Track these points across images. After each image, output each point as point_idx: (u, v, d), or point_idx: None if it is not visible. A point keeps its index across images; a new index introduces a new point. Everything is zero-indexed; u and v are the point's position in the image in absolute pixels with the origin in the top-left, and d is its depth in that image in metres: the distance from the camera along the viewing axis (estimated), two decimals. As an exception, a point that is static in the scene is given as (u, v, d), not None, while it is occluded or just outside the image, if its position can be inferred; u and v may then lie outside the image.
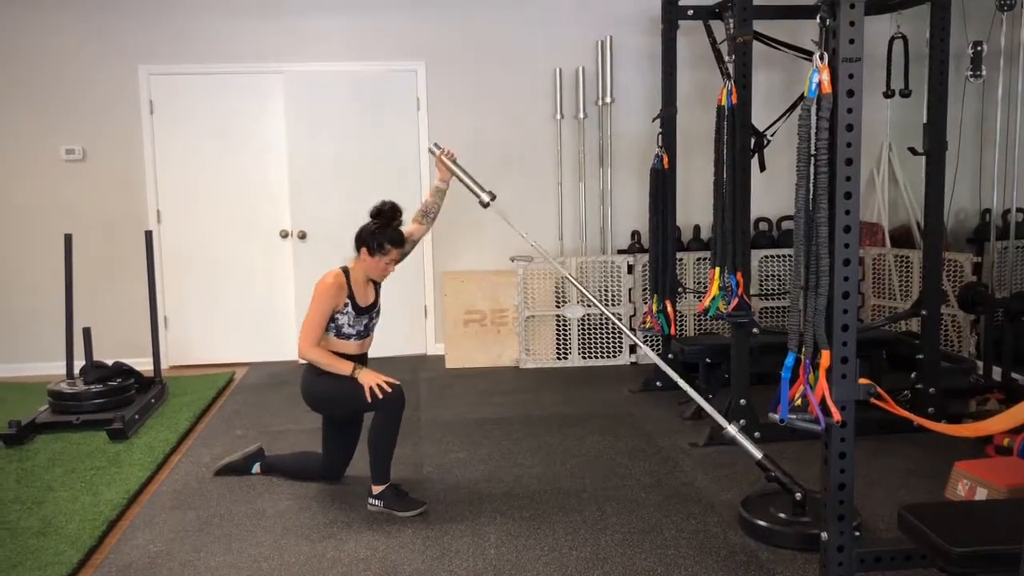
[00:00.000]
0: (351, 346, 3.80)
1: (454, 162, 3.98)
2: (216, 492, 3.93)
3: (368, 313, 3.82)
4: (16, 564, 3.22)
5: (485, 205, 3.96)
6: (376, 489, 3.69)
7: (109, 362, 5.26)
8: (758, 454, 3.41)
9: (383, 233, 3.71)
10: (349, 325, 3.76)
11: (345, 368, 3.67)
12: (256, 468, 4.11)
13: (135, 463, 4.29)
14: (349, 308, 3.74)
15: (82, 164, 6.33)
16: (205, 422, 5.10)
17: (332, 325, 3.74)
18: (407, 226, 3.91)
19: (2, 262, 6.35)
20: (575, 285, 4.01)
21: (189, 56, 6.30)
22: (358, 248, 3.76)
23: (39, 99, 6.25)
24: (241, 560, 3.25)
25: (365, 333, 3.84)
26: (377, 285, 3.91)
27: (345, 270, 3.78)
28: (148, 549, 3.36)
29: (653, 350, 6.24)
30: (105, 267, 6.36)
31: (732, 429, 3.48)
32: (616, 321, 3.98)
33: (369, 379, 3.64)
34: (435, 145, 4.06)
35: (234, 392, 5.76)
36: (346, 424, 3.95)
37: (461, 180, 3.97)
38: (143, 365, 5.57)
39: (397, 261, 3.82)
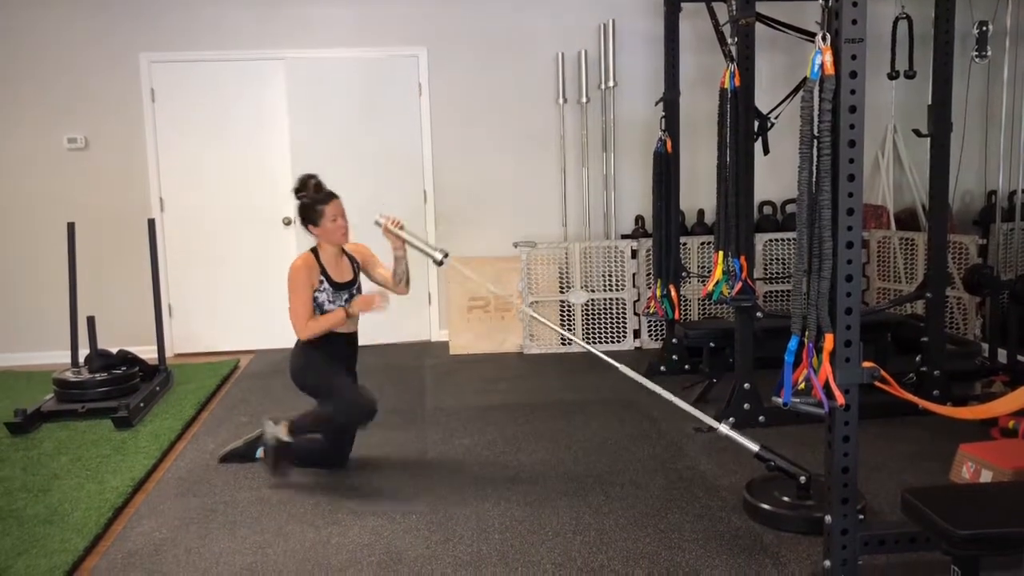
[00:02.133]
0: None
1: (400, 228, 3.85)
2: (221, 479, 3.94)
3: (347, 289, 3.89)
4: (22, 552, 3.23)
5: (439, 263, 3.83)
6: (281, 433, 3.80)
7: (114, 350, 5.26)
8: (755, 447, 3.39)
9: (311, 201, 3.81)
10: (329, 302, 3.83)
11: (339, 315, 3.79)
12: (259, 453, 4.12)
13: (140, 451, 4.31)
14: (325, 284, 3.82)
15: (84, 153, 6.32)
16: (210, 410, 5.11)
17: (313, 304, 3.82)
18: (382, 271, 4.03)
19: (6, 251, 6.36)
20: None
21: (190, 43, 6.28)
22: (306, 227, 3.87)
23: (41, 88, 6.24)
24: (246, 546, 3.26)
25: None
26: (354, 262, 3.97)
27: (314, 250, 3.87)
28: (153, 536, 3.38)
29: (657, 333, 6.24)
30: (108, 256, 6.36)
31: (724, 428, 3.43)
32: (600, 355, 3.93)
33: (360, 306, 3.78)
34: (379, 216, 3.86)
35: (239, 380, 5.78)
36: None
37: (412, 245, 3.84)
38: (148, 353, 5.59)
39: (341, 215, 3.83)
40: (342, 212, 3.84)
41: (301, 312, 3.79)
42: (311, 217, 3.81)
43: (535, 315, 4.03)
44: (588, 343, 6.31)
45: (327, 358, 3.88)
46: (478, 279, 4.13)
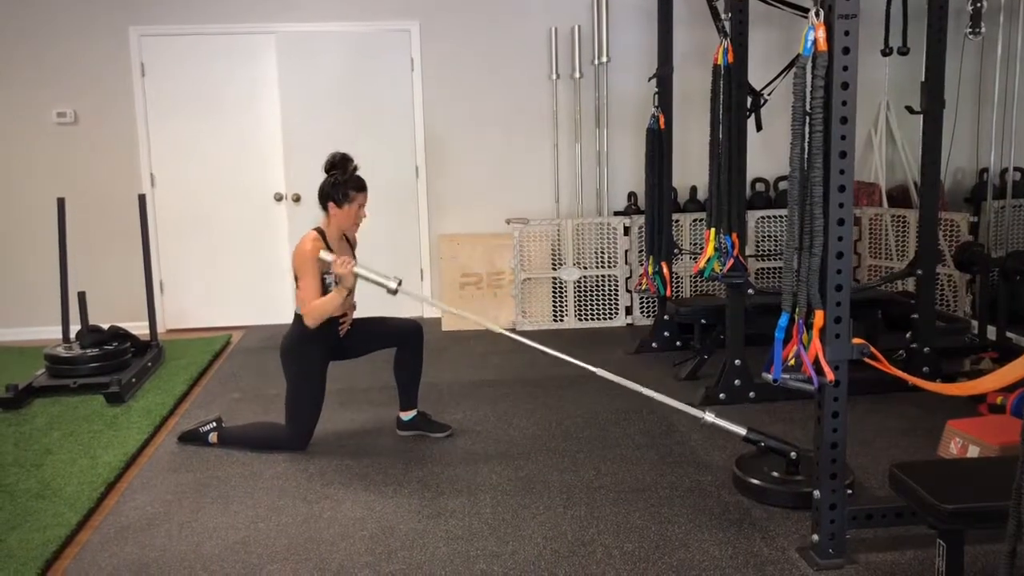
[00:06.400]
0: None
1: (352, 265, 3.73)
2: (213, 454, 3.95)
3: None
4: (15, 526, 3.24)
5: (393, 292, 3.70)
6: (212, 437, 4.05)
7: (105, 326, 5.25)
8: (742, 431, 3.40)
9: (345, 183, 3.77)
10: (335, 284, 3.79)
11: (335, 297, 3.71)
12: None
13: (132, 426, 4.31)
14: None
15: (74, 127, 6.27)
16: (202, 385, 5.11)
17: (322, 287, 3.78)
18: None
19: (-4, 227, 6.33)
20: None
21: (180, 17, 6.22)
22: (324, 205, 3.82)
23: (29, 62, 6.17)
24: (239, 521, 3.27)
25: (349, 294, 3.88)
26: (352, 245, 3.96)
27: (320, 231, 3.82)
28: (146, 510, 3.39)
29: (649, 309, 6.25)
30: (99, 231, 6.33)
31: (709, 416, 3.41)
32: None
33: (346, 277, 3.68)
34: (327, 255, 3.73)
35: (231, 355, 5.77)
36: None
37: (366, 278, 3.72)
38: (139, 329, 5.58)
39: (364, 206, 3.86)
40: (366, 203, 3.85)
41: (310, 297, 3.72)
42: (339, 198, 3.76)
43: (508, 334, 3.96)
44: (580, 320, 6.33)
45: (322, 358, 3.92)
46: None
